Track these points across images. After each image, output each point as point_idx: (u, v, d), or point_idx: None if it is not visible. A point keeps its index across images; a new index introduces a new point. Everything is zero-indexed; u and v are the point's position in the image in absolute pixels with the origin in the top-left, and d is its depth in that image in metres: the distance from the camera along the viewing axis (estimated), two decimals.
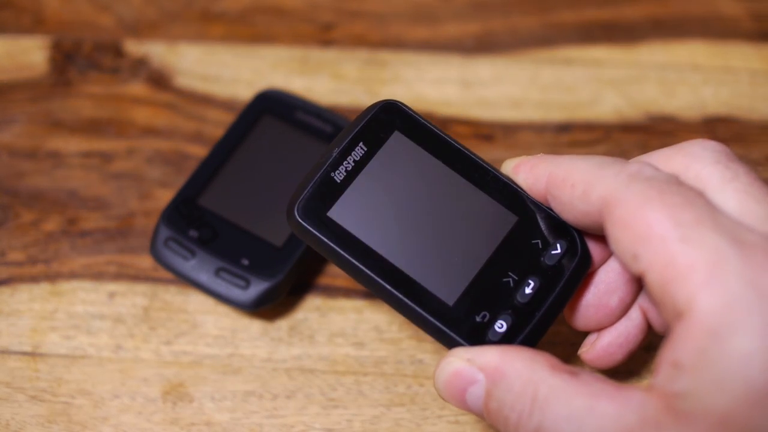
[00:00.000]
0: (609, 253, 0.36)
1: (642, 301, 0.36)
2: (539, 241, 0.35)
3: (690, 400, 0.28)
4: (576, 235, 0.35)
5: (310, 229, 0.34)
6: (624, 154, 0.48)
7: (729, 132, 0.49)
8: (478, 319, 0.34)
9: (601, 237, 0.35)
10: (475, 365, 0.32)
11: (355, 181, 0.35)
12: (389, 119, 0.36)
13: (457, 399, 0.33)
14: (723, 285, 0.28)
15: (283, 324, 0.43)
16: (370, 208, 0.35)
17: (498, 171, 0.36)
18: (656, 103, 0.50)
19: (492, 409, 0.32)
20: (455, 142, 0.36)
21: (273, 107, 0.47)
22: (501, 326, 0.34)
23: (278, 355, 0.42)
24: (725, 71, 0.51)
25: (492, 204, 0.35)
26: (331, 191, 0.35)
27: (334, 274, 0.45)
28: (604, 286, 0.36)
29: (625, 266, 0.33)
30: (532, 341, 0.34)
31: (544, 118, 0.49)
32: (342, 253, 0.34)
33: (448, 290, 0.34)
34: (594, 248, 0.35)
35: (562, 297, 0.35)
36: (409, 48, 0.52)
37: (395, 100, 0.36)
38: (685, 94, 0.50)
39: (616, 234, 0.31)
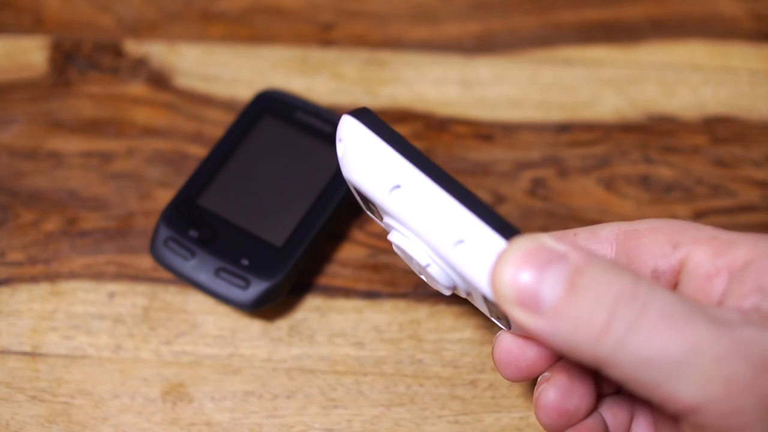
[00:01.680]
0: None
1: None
2: None
3: None
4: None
5: (380, 120, 0.32)
6: (624, 154, 0.48)
7: (729, 132, 0.49)
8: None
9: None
10: (562, 246, 0.27)
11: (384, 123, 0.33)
12: None
13: (529, 278, 0.27)
14: None
15: (283, 324, 0.43)
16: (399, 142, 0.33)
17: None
18: (656, 103, 0.50)
19: (582, 286, 0.27)
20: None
21: (273, 107, 0.47)
22: None
23: (278, 355, 0.42)
24: (725, 71, 0.51)
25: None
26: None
27: (334, 274, 0.45)
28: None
29: (654, 271, 0.32)
30: None
31: (544, 118, 0.49)
32: (411, 146, 0.32)
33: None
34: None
35: None
36: (409, 48, 0.52)
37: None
38: (685, 94, 0.50)
39: (646, 240, 0.32)
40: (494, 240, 0.30)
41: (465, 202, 0.31)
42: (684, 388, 0.26)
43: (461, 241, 0.30)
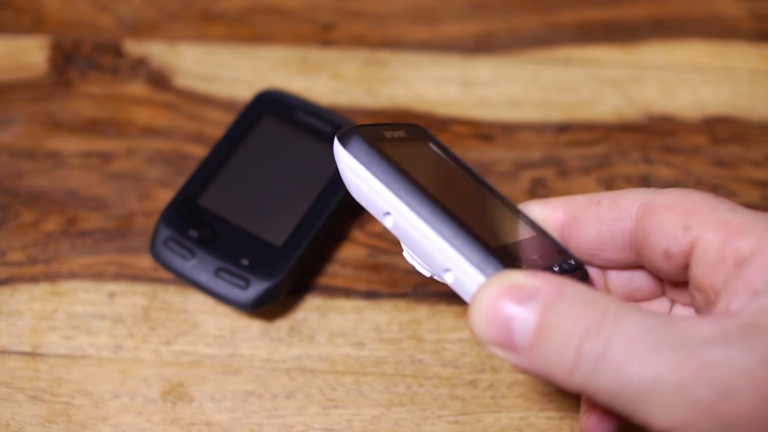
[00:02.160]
0: None
1: None
2: (555, 253, 0.36)
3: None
4: (583, 265, 0.36)
5: (371, 148, 0.33)
6: (624, 154, 0.48)
7: (729, 132, 0.49)
8: (516, 263, 0.33)
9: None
10: (533, 282, 0.29)
11: (401, 143, 0.36)
12: (423, 133, 0.38)
13: (500, 319, 0.28)
14: None
15: (283, 324, 0.43)
16: (413, 162, 0.35)
17: (512, 203, 0.37)
18: (656, 103, 0.50)
19: (549, 325, 0.28)
20: (479, 175, 0.38)
21: (273, 107, 0.47)
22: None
23: (278, 355, 0.42)
24: (725, 71, 0.51)
25: (513, 219, 0.36)
26: (382, 137, 0.35)
27: (333, 274, 0.45)
28: None
29: (664, 253, 0.33)
30: None
31: (544, 118, 0.49)
32: (400, 175, 0.33)
33: (491, 239, 0.33)
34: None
35: None
36: (409, 48, 0.52)
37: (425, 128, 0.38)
38: (685, 94, 0.50)
39: (660, 218, 0.32)
40: (474, 274, 0.31)
41: (447, 236, 0.32)
42: (654, 414, 0.27)
43: (448, 269, 0.32)
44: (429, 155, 0.38)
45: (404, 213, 0.33)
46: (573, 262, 0.36)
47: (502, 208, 0.37)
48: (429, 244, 0.33)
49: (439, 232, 0.32)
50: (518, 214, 0.37)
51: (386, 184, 0.33)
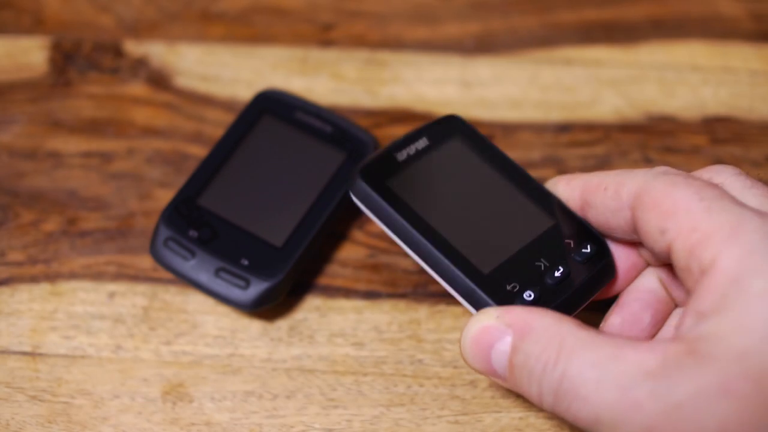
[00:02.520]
0: (641, 266, 0.39)
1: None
2: (571, 241, 0.38)
3: (711, 342, 0.29)
4: (605, 244, 0.38)
5: (371, 191, 0.39)
6: (624, 154, 0.48)
7: (728, 132, 0.49)
8: (508, 287, 0.37)
9: (633, 248, 0.38)
10: (504, 321, 0.33)
11: (414, 164, 0.40)
12: (453, 127, 0.41)
13: (482, 356, 0.34)
14: (743, 239, 0.30)
15: (282, 324, 0.43)
16: (423, 186, 0.40)
17: (541, 184, 0.40)
18: (656, 103, 0.50)
19: (517, 363, 0.32)
20: (508, 157, 0.41)
21: (272, 107, 0.47)
22: (529, 296, 0.36)
23: (278, 355, 0.42)
24: (725, 71, 0.51)
25: (532, 207, 0.39)
26: (392, 166, 0.40)
27: (333, 274, 0.45)
28: (638, 304, 0.38)
29: (652, 249, 0.34)
30: None
31: (543, 118, 0.49)
32: (396, 216, 0.38)
33: (484, 262, 0.37)
34: (626, 262, 0.38)
35: (584, 292, 0.38)
36: (409, 48, 0.52)
37: (459, 116, 0.42)
38: (685, 94, 0.50)
39: (645, 216, 0.33)
40: (467, 305, 0.37)
41: (441, 273, 0.37)
42: None
43: (454, 293, 0.37)
44: (447, 163, 0.41)
45: (405, 250, 0.38)
46: (588, 249, 0.38)
47: (521, 204, 0.40)
48: (432, 276, 0.38)
49: (435, 269, 0.37)
50: (542, 199, 0.40)
51: (386, 225, 0.39)
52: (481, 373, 0.34)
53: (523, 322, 0.33)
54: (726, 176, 0.35)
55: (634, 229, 0.35)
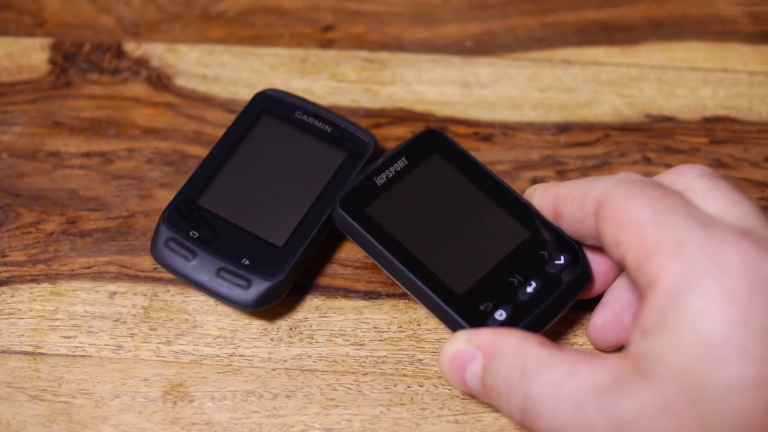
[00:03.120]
0: (617, 271, 0.40)
1: None
2: (546, 252, 0.40)
3: (653, 360, 0.30)
4: (579, 252, 0.40)
5: (350, 220, 0.41)
6: (623, 154, 0.48)
7: (727, 133, 0.49)
8: (481, 307, 0.38)
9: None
10: (474, 344, 0.35)
11: (393, 187, 0.42)
12: (431, 143, 0.43)
13: (458, 377, 0.36)
14: (684, 256, 0.30)
15: (283, 324, 0.43)
16: (402, 209, 0.41)
17: (518, 194, 0.41)
18: (655, 103, 0.50)
19: (487, 384, 0.35)
20: (487, 169, 0.42)
21: (272, 107, 0.47)
22: (501, 315, 0.38)
23: (278, 355, 0.42)
24: (724, 72, 0.51)
25: (509, 219, 0.41)
26: (371, 191, 0.42)
27: (333, 275, 0.45)
28: (619, 304, 0.39)
29: (611, 257, 0.35)
30: None
31: (543, 119, 0.50)
32: (374, 243, 0.40)
33: (459, 282, 0.39)
34: (603, 265, 0.39)
35: (558, 303, 0.39)
36: (408, 49, 0.52)
37: (439, 130, 0.43)
38: (684, 94, 0.50)
39: (604, 227, 0.34)
40: (445, 326, 0.39)
41: (419, 296, 0.40)
42: None
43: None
44: (424, 182, 0.42)
45: (386, 273, 0.41)
46: (562, 261, 0.39)
47: (498, 217, 0.41)
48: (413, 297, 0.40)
49: (412, 292, 0.40)
50: (520, 211, 0.41)
51: (366, 251, 0.41)
52: (460, 390, 0.37)
53: (491, 344, 0.35)
54: (690, 178, 0.35)
55: (599, 234, 0.35)
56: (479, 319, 0.38)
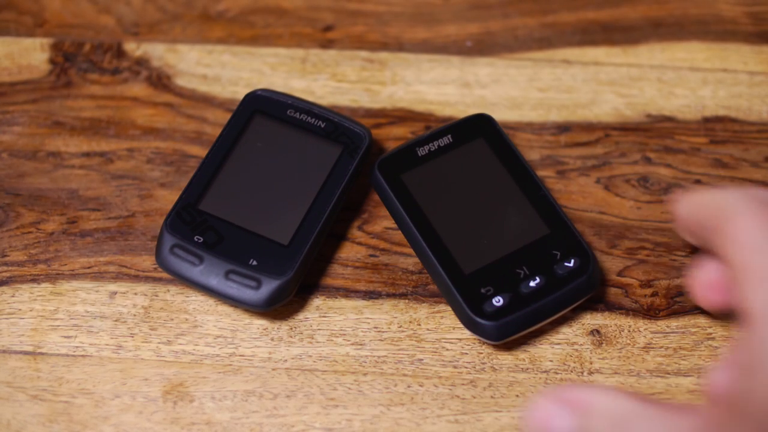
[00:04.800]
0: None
1: None
2: (559, 253, 0.41)
3: (746, 401, 0.29)
4: (591, 260, 0.41)
5: (383, 183, 0.43)
6: (623, 154, 0.48)
7: (727, 133, 0.49)
8: (482, 290, 0.40)
9: None
10: (561, 400, 0.33)
11: (432, 160, 0.43)
12: (480, 127, 0.44)
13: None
14: None
15: (283, 324, 0.43)
16: (434, 183, 0.43)
17: (548, 192, 0.43)
18: (655, 103, 0.50)
19: None
20: (526, 163, 0.44)
21: (263, 107, 0.46)
22: (498, 301, 0.39)
23: (278, 355, 0.42)
24: (724, 72, 0.51)
25: (533, 214, 0.42)
26: (410, 160, 0.43)
27: (334, 274, 0.45)
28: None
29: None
30: (517, 325, 0.40)
31: (543, 119, 0.50)
32: (400, 209, 0.42)
33: (469, 263, 0.41)
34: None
35: (557, 303, 0.40)
36: (408, 49, 0.52)
37: (490, 116, 0.45)
38: (684, 94, 0.50)
39: (717, 240, 0.33)
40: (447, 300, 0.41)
41: (428, 267, 0.41)
42: None
43: None
44: (463, 163, 0.43)
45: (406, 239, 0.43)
46: (571, 264, 0.40)
47: (524, 210, 0.42)
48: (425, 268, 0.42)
49: (423, 262, 0.42)
50: (546, 209, 0.42)
51: (392, 215, 0.43)
52: None
53: (582, 399, 0.33)
54: None
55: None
56: (477, 300, 0.40)
